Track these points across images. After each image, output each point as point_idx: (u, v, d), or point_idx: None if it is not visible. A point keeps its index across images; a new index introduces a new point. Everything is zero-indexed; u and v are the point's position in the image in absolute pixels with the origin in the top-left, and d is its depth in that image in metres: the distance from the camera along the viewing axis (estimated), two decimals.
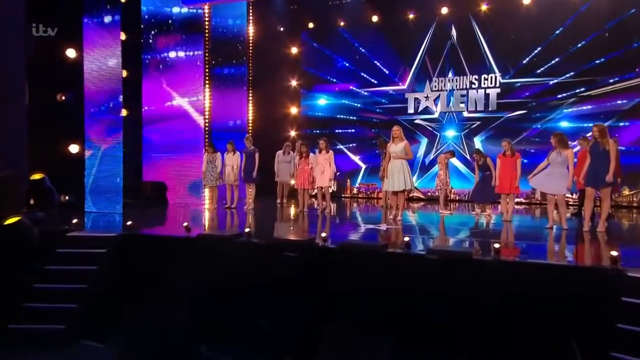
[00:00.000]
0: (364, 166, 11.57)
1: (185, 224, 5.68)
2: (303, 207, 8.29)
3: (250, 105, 11.23)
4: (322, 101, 12.32)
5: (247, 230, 5.33)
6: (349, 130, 11.99)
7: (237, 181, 8.89)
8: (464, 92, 10.83)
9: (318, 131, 11.80)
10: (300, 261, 4.62)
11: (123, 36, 8.40)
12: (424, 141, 11.29)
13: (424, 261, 4.43)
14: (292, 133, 12.33)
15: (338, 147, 11.92)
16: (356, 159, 11.70)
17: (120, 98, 7.84)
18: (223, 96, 10.33)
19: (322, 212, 8.08)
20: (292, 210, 8.51)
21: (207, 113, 9.74)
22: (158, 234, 5.89)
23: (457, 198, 10.84)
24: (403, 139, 6.97)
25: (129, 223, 5.75)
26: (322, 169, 8.09)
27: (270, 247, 5.01)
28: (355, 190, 11.96)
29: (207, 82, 9.71)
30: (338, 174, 11.19)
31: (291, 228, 6.62)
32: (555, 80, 9.92)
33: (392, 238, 5.69)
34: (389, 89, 11.48)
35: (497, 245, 4.47)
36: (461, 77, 10.85)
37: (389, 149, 7.03)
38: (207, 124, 9.74)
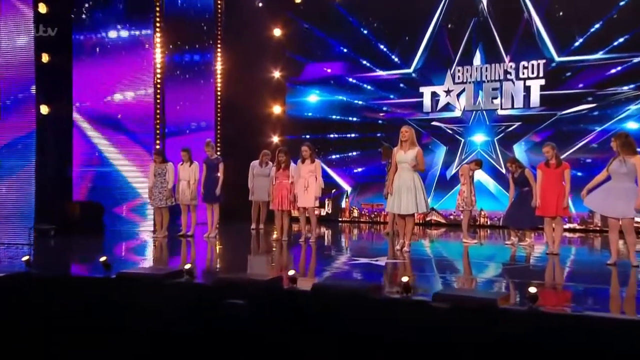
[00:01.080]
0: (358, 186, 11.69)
1: (102, 258, 5.16)
2: (281, 235, 8.21)
3: (219, 102, 11.18)
4: (313, 97, 12.30)
5: (187, 267, 4.92)
6: (348, 135, 11.95)
7: (195, 200, 8.72)
8: (497, 84, 10.70)
9: (308, 136, 11.85)
10: (252, 311, 4.21)
11: (43, 8, 8.03)
12: (442, 150, 11.20)
13: (428, 311, 3.94)
14: (275, 139, 12.34)
15: (333, 156, 12.05)
16: (344, 173, 11.89)
17: (33, 89, 7.45)
18: (182, 90, 10.27)
19: (305, 241, 7.97)
20: (269, 240, 8.39)
21: (159, 112, 9.59)
22: (64, 273, 5.47)
23: (486, 222, 10.74)
24: (415, 144, 6.82)
25: (25, 258, 5.36)
26: (306, 183, 7.96)
27: (216, 291, 4.60)
28: (355, 213, 11.98)
29: (159, 71, 9.51)
30: (334, 192, 11.77)
31: (261, 264, 6.51)
32: (621, 68, 9.78)
33: (392, 277, 5.46)
34: (396, 74, 11.38)
35: (533, 290, 3.89)
36: (493, 65, 10.70)
37: (394, 157, 7.08)
38: (159, 126, 9.62)
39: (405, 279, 4.33)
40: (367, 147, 11.69)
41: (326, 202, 12.01)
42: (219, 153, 10.59)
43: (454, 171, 10.84)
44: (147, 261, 6.64)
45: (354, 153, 12.02)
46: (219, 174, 8.63)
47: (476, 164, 8.38)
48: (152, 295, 4.68)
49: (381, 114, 11.61)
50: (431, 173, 11.05)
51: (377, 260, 6.41)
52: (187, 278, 4.86)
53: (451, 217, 11.04)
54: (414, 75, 11.35)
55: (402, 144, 6.77)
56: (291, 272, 4.67)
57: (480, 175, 10.43)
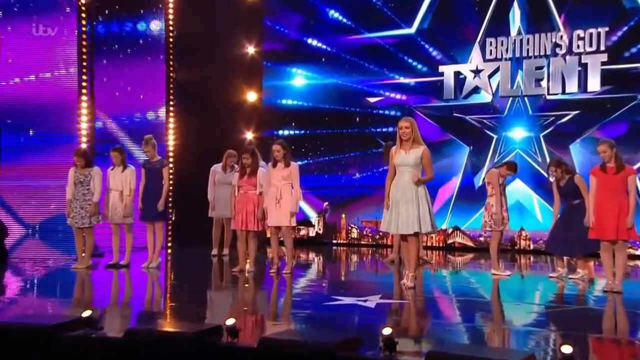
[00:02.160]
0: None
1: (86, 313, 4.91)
2: (245, 265, 8.30)
3: (171, 86, 11.20)
4: (299, 81, 12.48)
5: (85, 314, 4.68)
6: (345, 130, 12.07)
7: (130, 218, 8.66)
8: (543, 61, 10.69)
9: (293, 132, 12.22)
10: None
11: None
12: (465, 151, 11.32)
13: None
14: (248, 135, 12.42)
15: (325, 158, 12.18)
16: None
17: None
18: (118, 71, 10.27)
19: (277, 273, 8.04)
20: (231, 271, 8.37)
21: (85, 98, 9.56)
22: None
23: (528, 247, 10.79)
24: (420, 141, 6.83)
25: None
26: (278, 195, 7.99)
27: (125, 349, 4.46)
28: (354, 233, 12.08)
29: (84, 45, 9.46)
30: (326, 204, 12.03)
31: (201, 307, 6.47)
32: None
33: (379, 326, 5.01)
34: (411, 54, 11.58)
35: (567, 350, 3.66)
36: (537, 35, 10.69)
37: (392, 159, 6.98)
38: (84, 119, 9.63)
39: (387, 331, 4.12)
40: (369, 146, 11.70)
41: (317, 220, 12.18)
42: (171, 154, 10.86)
43: (483, 177, 10.35)
44: (45, 305, 6.60)
45: (352, 154, 12.07)
46: (163, 182, 8.63)
47: (508, 167, 8.26)
48: (36, 355, 4.56)
49: (388, 103, 11.78)
50: (449, 180, 11.18)
51: (365, 301, 6.32)
52: (86, 330, 4.65)
53: (481, 238, 11.01)
54: (433, 53, 11.54)
55: (402, 143, 6.78)
56: (230, 321, 4.42)
57: (518, 185, 10.45)
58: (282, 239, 8.08)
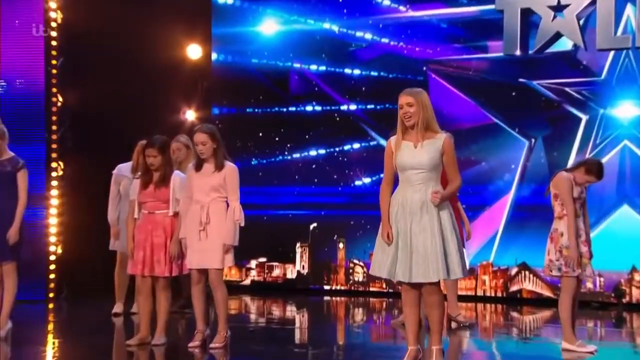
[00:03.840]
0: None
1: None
2: (146, 333, 8.33)
3: (52, 32, 11.43)
4: (269, 27, 12.77)
5: None
6: (342, 108, 12.47)
7: None
8: None
9: (259, 111, 12.59)
10: None
11: None
12: (524, 145, 11.57)
13: None
14: (189, 115, 12.80)
15: (309, 152, 12.49)
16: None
17: None
18: None
19: (201, 347, 8.13)
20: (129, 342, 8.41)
21: None
22: None
23: (631, 300, 10.85)
24: (435, 127, 6.93)
25: None
26: (204, 217, 8.09)
27: None
28: (359, 274, 12.18)
29: None
30: (314, 227, 12.21)
31: None
32: None
33: None
34: None
35: None
36: None
37: (390, 157, 6.99)
38: None
39: None
40: (384, 132, 11.43)
41: (299, 252, 12.42)
42: (54, 147, 11.08)
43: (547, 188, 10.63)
44: None
45: (353, 146, 12.29)
46: (20, 196, 8.69)
47: (588, 170, 8.14)
48: None
49: (400, 67, 12.02)
50: (492, 188, 11.56)
51: None
52: None
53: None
54: None
55: (405, 131, 6.86)
56: None
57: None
58: (214, 285, 8.16)
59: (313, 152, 12.52)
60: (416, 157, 6.74)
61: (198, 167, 8.06)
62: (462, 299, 10.41)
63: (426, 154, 6.72)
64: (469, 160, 11.18)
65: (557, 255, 7.95)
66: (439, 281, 6.77)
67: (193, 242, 7.98)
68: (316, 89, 12.54)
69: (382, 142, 11.62)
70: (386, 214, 6.80)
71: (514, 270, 11.33)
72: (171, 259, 8.11)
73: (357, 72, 12.39)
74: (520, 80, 11.52)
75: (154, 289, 8.32)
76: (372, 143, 12.24)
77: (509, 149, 11.63)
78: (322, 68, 12.50)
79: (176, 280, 8.90)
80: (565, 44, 11.29)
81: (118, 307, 9.97)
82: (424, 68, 11.91)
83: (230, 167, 8.11)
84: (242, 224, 8.24)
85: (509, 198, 11.60)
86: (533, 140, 11.44)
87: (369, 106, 12.37)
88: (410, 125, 6.74)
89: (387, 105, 11.93)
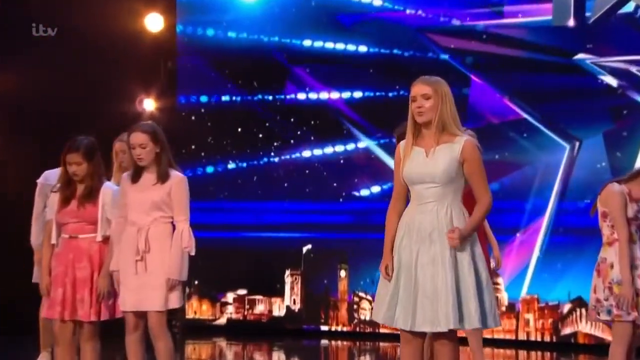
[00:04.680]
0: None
1: None
2: None
3: None
4: None
5: None
6: (334, 96, 12.67)
7: None
8: None
9: (238, 99, 12.78)
10: None
11: None
12: (565, 148, 11.85)
13: None
14: (149, 106, 12.86)
15: (300, 155, 12.73)
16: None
17: None
18: None
19: None
20: None
21: None
22: None
23: None
24: (454, 130, 6.80)
25: None
26: (142, 244, 7.93)
27: None
28: (367, 311, 12.36)
29: None
30: (307, 249, 12.52)
31: None
32: None
33: None
34: None
35: None
36: None
37: (399, 166, 6.92)
38: None
39: None
40: (390, 129, 11.60)
41: (289, 282, 12.54)
42: None
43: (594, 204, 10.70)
44: None
45: (354, 146, 12.51)
46: None
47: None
48: None
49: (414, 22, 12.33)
50: (525, 205, 11.78)
51: None
52: None
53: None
54: None
55: (417, 132, 6.76)
56: None
57: None
58: (154, 331, 8.01)
59: (307, 153, 12.56)
60: (427, 167, 6.53)
61: (135, 177, 7.83)
62: (499, 344, 10.76)
63: (439, 163, 6.49)
64: (493, 169, 10.85)
65: (606, 294, 7.75)
66: (453, 331, 6.50)
67: (128, 277, 7.72)
68: (311, 71, 12.62)
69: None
70: (389, 241, 6.60)
71: (566, 307, 11.33)
72: (99, 298, 7.87)
73: (362, 49, 12.55)
74: (566, 58, 11.69)
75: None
76: (382, 141, 12.37)
77: (546, 154, 11.81)
78: (319, 44, 12.61)
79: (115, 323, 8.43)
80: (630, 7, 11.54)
81: (44, 358, 9.67)
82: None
83: (177, 177, 7.87)
84: (192, 252, 8.03)
85: (546, 217, 11.75)
86: (577, 143, 11.62)
87: (378, 93, 12.48)
88: (423, 122, 6.53)
89: (401, 92, 11.94)
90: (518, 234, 11.93)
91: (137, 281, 7.74)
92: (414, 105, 6.59)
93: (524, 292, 11.91)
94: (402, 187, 6.69)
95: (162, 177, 7.83)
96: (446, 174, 6.48)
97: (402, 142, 6.78)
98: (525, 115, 11.94)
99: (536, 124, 11.97)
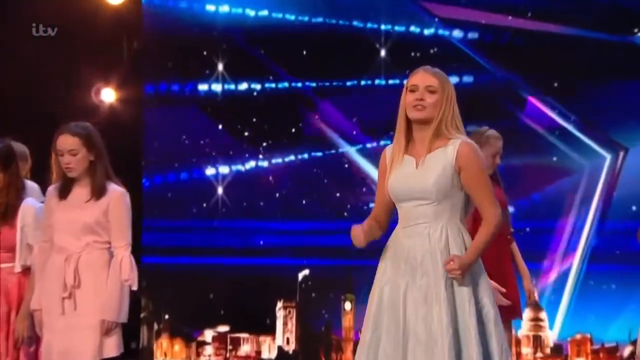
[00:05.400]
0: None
1: None
2: None
3: None
4: None
5: None
6: (337, 83, 13.07)
7: None
8: None
9: (214, 88, 13.13)
10: None
11: None
12: (605, 160, 12.41)
13: None
14: (108, 96, 12.89)
15: (297, 159, 13.05)
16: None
17: None
18: None
19: None
20: None
21: None
22: None
23: None
24: (455, 129, 6.70)
25: None
26: (70, 276, 7.79)
27: None
28: None
29: None
30: (304, 274, 12.90)
31: None
32: None
33: None
34: None
35: None
36: None
37: (383, 177, 6.71)
38: None
39: None
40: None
41: (280, 316, 12.79)
42: None
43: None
44: None
45: (360, 146, 12.84)
46: None
47: None
48: None
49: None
50: (558, 224, 12.26)
51: None
52: None
53: None
54: None
55: (410, 137, 6.55)
56: None
57: None
58: None
59: (304, 155, 12.67)
60: (416, 179, 6.17)
61: (63, 192, 7.57)
62: None
63: (430, 174, 6.14)
64: (515, 184, 11.12)
65: None
66: None
67: (53, 318, 7.44)
68: (313, 51, 12.76)
69: None
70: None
71: (626, 350, 11.52)
72: (17, 344, 7.77)
73: (385, 25, 12.67)
74: (608, 34, 12.10)
75: None
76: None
77: (584, 163, 12.13)
78: (318, 19, 12.82)
79: None
80: None
81: None
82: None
83: (115, 193, 7.57)
84: (134, 286, 7.72)
85: (583, 239, 12.15)
86: (622, 152, 11.83)
87: (392, 81, 12.68)
88: (419, 119, 6.17)
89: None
90: (556, 259, 12.12)
91: (65, 323, 7.39)
92: (413, 96, 6.21)
93: (572, 331, 12.07)
94: (384, 207, 6.29)
95: (97, 192, 7.51)
96: (439, 187, 6.15)
97: (389, 148, 6.41)
98: (559, 120, 12.06)
99: (570, 128, 12.17)
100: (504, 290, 8.13)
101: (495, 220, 6.18)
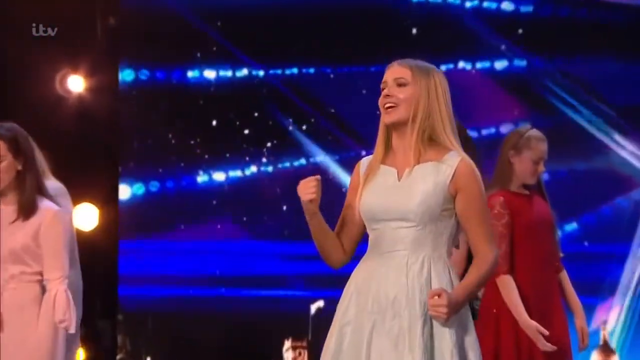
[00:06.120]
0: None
1: None
2: None
3: None
4: None
5: None
6: (352, 67, 12.89)
7: None
8: None
9: (207, 75, 13.09)
10: None
11: None
12: None
13: None
14: (77, 85, 12.64)
15: (301, 163, 12.98)
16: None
17: None
18: None
19: None
20: None
21: None
22: None
23: None
24: (447, 141, 6.49)
25: None
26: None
27: None
28: None
29: None
30: (318, 306, 13.20)
31: None
32: None
33: None
34: None
35: None
36: None
37: (353, 193, 6.28)
38: None
39: None
40: None
41: (289, 357, 12.56)
42: None
43: None
44: None
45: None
46: None
47: None
48: None
49: None
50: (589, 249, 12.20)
51: None
52: None
53: None
54: None
55: (389, 145, 6.23)
56: None
57: None
58: None
59: (316, 158, 12.11)
60: (397, 196, 5.70)
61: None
62: None
63: (416, 191, 5.71)
64: (571, 198, 11.16)
65: None
66: None
67: None
68: (315, 31, 12.22)
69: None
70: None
71: None
72: None
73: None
74: None
75: None
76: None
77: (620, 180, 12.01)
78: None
79: None
80: None
81: None
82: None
83: (48, 212, 7.28)
84: (72, 329, 7.27)
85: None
86: None
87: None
88: (390, 122, 5.62)
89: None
90: (618, 291, 11.86)
91: None
92: (381, 96, 5.70)
93: None
94: (350, 231, 5.52)
95: (26, 211, 7.22)
96: (425, 208, 5.67)
97: (366, 158, 5.86)
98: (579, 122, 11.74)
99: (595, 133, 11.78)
100: (546, 332, 7.55)
101: (491, 258, 5.65)
